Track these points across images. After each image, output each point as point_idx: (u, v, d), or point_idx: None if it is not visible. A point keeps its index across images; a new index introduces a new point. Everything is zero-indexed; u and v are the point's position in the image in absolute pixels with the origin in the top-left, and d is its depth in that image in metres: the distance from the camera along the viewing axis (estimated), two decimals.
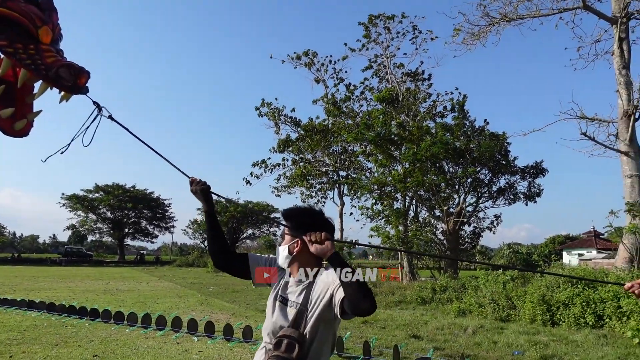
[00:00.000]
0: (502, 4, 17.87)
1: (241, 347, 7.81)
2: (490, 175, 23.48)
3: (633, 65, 16.00)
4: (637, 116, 15.40)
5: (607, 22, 16.70)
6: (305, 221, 2.19)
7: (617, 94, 15.87)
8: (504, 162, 22.86)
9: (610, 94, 16.68)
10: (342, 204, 30.04)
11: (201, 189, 2.30)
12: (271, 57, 33.07)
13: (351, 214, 38.13)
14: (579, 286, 10.51)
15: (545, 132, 22.90)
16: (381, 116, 23.50)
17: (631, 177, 15.00)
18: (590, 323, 9.69)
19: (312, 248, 2.05)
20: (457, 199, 23.23)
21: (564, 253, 42.75)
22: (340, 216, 29.65)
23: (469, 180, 22.64)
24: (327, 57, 30.41)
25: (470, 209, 23.30)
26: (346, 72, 30.80)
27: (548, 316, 10.47)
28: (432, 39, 27.51)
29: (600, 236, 40.91)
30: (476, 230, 23.89)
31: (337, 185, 30.32)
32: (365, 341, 7.49)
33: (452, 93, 26.69)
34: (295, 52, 30.57)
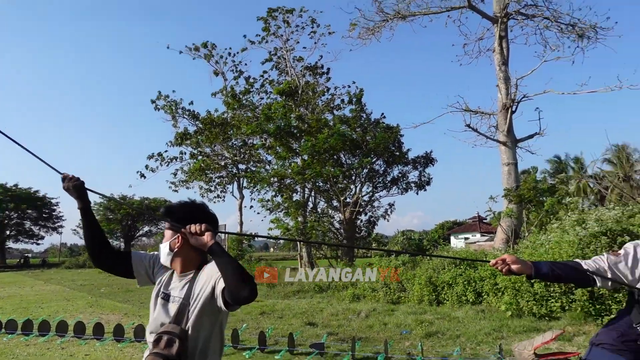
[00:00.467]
0: (395, 1, 18.53)
1: (132, 347, 7.54)
2: (384, 165, 24.36)
3: (511, 62, 17.32)
4: (514, 109, 16.68)
5: (489, 21, 17.88)
6: (186, 216, 2.10)
7: (497, 88, 17.10)
8: (397, 153, 23.78)
9: (492, 89, 17.93)
10: (242, 197, 29.62)
11: (74, 186, 2.16)
12: (168, 48, 31.92)
13: (251, 207, 37.85)
14: (461, 267, 11.20)
15: (434, 124, 24.30)
16: (281, 109, 23.49)
17: (508, 165, 16.27)
18: (471, 300, 10.36)
19: (192, 240, 1.99)
20: (354, 189, 23.86)
21: (452, 237, 45.79)
22: (240, 209, 29.24)
23: (365, 170, 23.33)
24: (226, 49, 29.91)
25: (366, 198, 24.04)
26: (246, 64, 30.60)
27: (434, 296, 11.06)
28: (330, 33, 28.05)
29: (484, 221, 44.27)
30: (371, 219, 24.67)
31: (236, 178, 29.83)
32: (261, 332, 7.50)
33: (349, 87, 27.48)
34: (193, 44, 29.75)
